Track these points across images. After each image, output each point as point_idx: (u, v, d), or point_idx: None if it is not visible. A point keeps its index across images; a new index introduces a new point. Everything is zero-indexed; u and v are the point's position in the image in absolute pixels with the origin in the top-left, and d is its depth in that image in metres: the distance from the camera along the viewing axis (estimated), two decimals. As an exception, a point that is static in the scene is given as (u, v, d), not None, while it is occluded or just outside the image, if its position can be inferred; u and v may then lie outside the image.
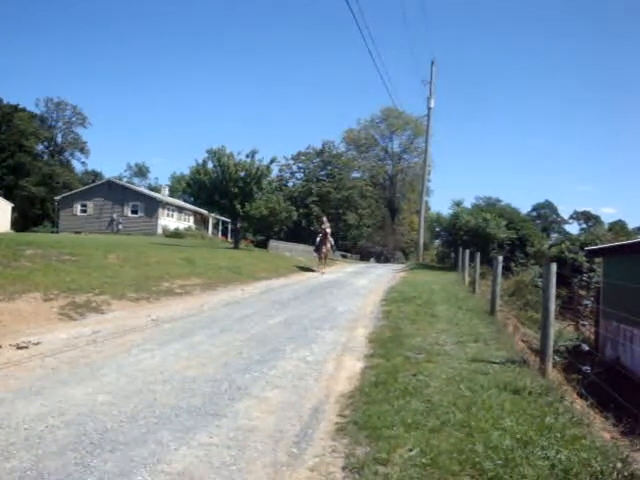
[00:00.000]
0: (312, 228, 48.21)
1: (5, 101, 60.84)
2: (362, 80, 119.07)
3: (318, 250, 19.89)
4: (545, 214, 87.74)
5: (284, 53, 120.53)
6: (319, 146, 63.41)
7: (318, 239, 19.93)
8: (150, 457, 3.19)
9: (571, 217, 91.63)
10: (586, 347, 11.19)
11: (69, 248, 13.27)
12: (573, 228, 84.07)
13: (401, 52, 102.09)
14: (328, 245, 19.52)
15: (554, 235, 60.57)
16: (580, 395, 5.13)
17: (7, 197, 45.33)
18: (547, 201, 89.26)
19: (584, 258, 19.69)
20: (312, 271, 19.97)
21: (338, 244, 50.25)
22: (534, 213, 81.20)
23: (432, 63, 34.10)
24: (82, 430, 3.56)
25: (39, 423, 3.65)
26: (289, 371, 5.34)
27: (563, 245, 23.10)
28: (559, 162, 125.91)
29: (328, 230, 19.31)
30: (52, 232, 41.23)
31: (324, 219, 20.36)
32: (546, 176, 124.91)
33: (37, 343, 6.01)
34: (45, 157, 65.57)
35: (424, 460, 3.09)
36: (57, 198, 45.00)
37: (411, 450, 3.23)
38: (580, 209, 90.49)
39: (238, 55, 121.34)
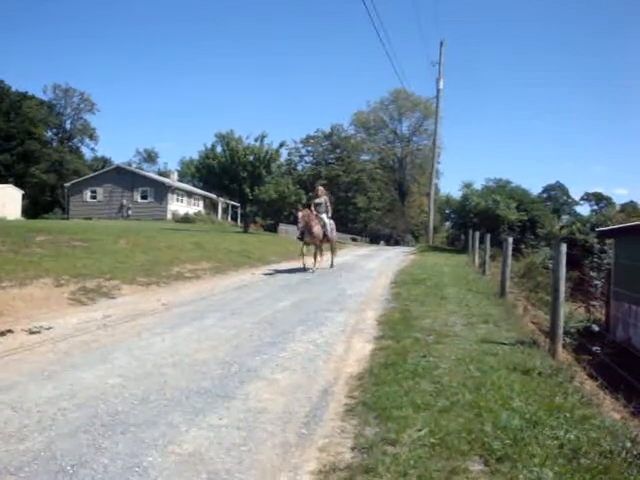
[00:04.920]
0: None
1: (14, 88, 61.16)
2: (371, 65, 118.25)
3: (302, 237, 13.32)
4: (556, 195, 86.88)
5: (293, 37, 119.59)
6: (328, 130, 63.22)
7: (303, 221, 12.99)
8: (161, 438, 3.22)
9: (582, 198, 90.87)
10: (597, 328, 11.12)
11: (79, 234, 13.37)
12: (584, 209, 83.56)
13: (410, 36, 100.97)
14: (317, 228, 13.01)
15: (565, 217, 59.94)
16: (590, 376, 5.12)
17: (18, 184, 45.59)
18: (558, 182, 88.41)
19: (595, 239, 19.51)
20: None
21: (347, 227, 49.86)
22: (545, 194, 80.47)
23: (441, 44, 33.64)
24: (93, 412, 3.59)
25: (51, 406, 3.69)
26: (299, 353, 5.35)
27: (574, 226, 22.90)
28: (570, 143, 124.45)
29: (311, 207, 13.65)
30: (63, 219, 41.48)
31: (320, 189, 14.10)
32: (557, 157, 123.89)
33: (49, 328, 6.07)
34: (54, 144, 65.72)
35: (433, 440, 3.10)
36: (67, 185, 45.21)
37: (420, 430, 3.24)
38: (591, 190, 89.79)
39: (247, 40, 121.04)
